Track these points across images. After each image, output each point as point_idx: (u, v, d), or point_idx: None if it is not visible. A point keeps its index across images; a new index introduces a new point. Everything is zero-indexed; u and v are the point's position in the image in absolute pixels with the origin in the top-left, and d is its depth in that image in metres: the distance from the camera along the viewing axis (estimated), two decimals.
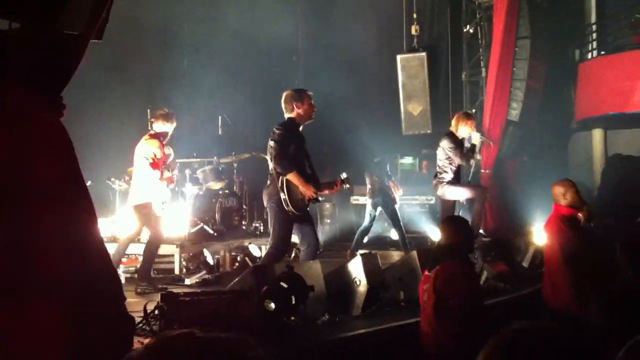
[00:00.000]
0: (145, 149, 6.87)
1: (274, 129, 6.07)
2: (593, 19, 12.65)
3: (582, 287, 5.47)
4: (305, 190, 5.97)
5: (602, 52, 12.47)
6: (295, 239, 6.58)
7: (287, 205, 5.95)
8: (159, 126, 7.07)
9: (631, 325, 2.39)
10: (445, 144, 8.18)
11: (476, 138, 8.25)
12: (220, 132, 10.20)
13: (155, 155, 6.84)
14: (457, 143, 8.16)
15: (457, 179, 8.28)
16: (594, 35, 12.69)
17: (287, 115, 6.19)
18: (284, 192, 5.93)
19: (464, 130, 8.22)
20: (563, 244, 5.67)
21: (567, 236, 5.76)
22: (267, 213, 6.37)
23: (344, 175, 6.27)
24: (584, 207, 6.92)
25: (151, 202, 6.91)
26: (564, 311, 5.50)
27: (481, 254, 7.22)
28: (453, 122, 8.40)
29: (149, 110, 8.75)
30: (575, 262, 5.59)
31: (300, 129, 6.24)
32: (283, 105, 6.20)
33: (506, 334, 1.32)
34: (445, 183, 8.18)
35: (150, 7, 10.12)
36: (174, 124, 7.12)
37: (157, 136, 7.02)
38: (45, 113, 3.20)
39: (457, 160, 8.12)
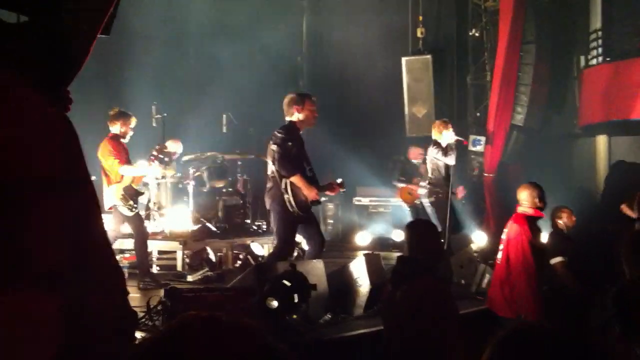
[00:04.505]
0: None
1: (275, 132, 6.07)
2: (598, 25, 12.64)
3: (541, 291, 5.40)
4: (309, 192, 5.98)
5: (607, 59, 12.45)
6: (298, 238, 6.59)
7: (292, 207, 5.95)
8: (111, 127, 7.12)
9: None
10: (431, 152, 8.33)
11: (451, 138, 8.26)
12: (225, 131, 10.21)
13: (115, 156, 6.88)
14: (442, 149, 8.23)
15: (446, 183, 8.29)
16: (599, 41, 12.68)
17: (287, 119, 6.18)
18: (287, 193, 5.93)
19: (447, 136, 8.26)
20: (538, 247, 5.59)
21: (541, 239, 5.71)
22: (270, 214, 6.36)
23: (339, 180, 6.37)
24: (565, 212, 6.92)
25: (115, 205, 6.94)
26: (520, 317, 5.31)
27: (483, 257, 7.24)
28: (434, 130, 8.43)
29: (153, 107, 8.76)
30: (542, 265, 5.54)
31: (300, 132, 6.26)
32: (284, 108, 6.20)
33: (503, 334, 1.33)
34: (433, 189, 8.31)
35: (155, 5, 10.14)
36: (124, 123, 7.08)
37: (112, 137, 7.06)
38: (49, 106, 3.21)
39: (445, 163, 8.21)
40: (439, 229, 8.23)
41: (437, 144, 8.31)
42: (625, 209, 7.18)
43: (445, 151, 8.18)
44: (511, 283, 5.54)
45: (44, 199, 2.97)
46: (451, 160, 8.15)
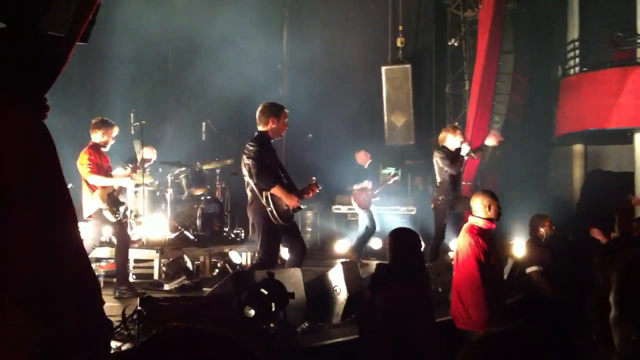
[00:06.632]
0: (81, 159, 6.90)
1: (248, 145, 6.04)
2: (575, 35, 12.83)
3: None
4: (290, 201, 5.98)
5: (584, 69, 12.64)
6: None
7: (276, 219, 5.95)
8: (93, 136, 7.07)
9: None
10: (435, 155, 8.28)
11: (465, 150, 8.27)
12: (203, 139, 10.17)
13: (88, 164, 6.83)
14: (447, 154, 8.21)
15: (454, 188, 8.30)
16: (576, 52, 12.87)
17: (259, 128, 6.16)
18: (270, 205, 5.93)
19: (453, 142, 8.27)
20: (488, 260, 5.26)
21: (494, 251, 5.42)
22: (249, 221, 6.34)
23: (314, 179, 6.36)
24: (546, 221, 6.95)
25: (100, 209, 6.88)
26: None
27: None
28: (441, 135, 8.45)
29: (131, 114, 8.70)
30: (492, 278, 5.29)
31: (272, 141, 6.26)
32: (258, 116, 6.16)
33: (480, 338, 1.32)
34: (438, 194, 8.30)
35: (134, 12, 10.10)
36: (106, 132, 7.03)
37: (91, 146, 7.01)
38: (24, 113, 3.18)
39: (447, 170, 8.16)
40: (435, 235, 8.33)
41: (440, 149, 8.28)
42: (596, 233, 7.09)
43: (449, 157, 8.12)
44: (462, 295, 5.36)
45: (17, 208, 2.94)
46: (452, 169, 8.10)
